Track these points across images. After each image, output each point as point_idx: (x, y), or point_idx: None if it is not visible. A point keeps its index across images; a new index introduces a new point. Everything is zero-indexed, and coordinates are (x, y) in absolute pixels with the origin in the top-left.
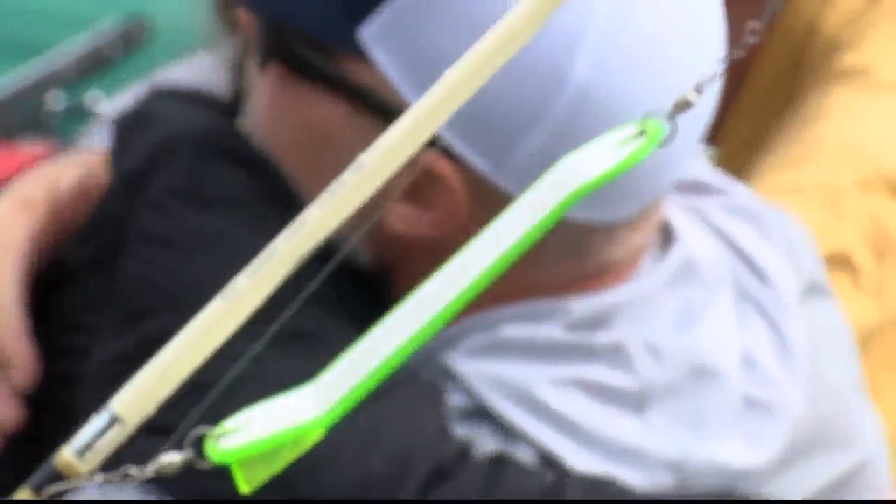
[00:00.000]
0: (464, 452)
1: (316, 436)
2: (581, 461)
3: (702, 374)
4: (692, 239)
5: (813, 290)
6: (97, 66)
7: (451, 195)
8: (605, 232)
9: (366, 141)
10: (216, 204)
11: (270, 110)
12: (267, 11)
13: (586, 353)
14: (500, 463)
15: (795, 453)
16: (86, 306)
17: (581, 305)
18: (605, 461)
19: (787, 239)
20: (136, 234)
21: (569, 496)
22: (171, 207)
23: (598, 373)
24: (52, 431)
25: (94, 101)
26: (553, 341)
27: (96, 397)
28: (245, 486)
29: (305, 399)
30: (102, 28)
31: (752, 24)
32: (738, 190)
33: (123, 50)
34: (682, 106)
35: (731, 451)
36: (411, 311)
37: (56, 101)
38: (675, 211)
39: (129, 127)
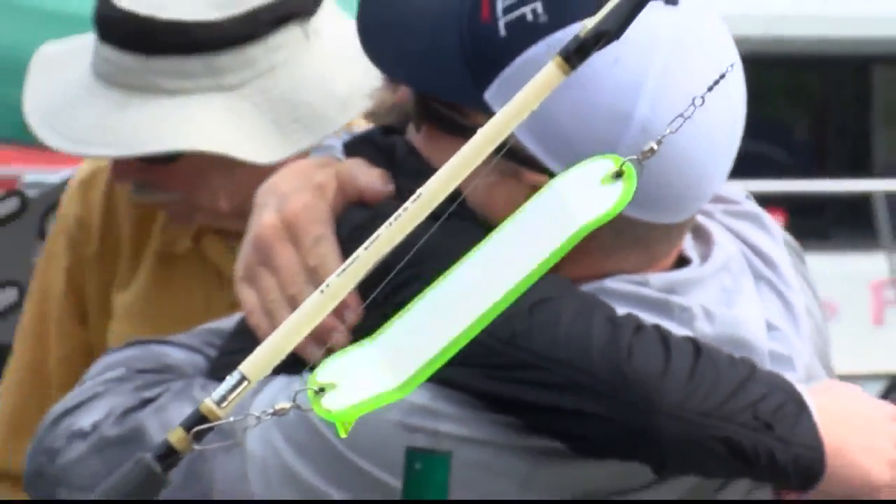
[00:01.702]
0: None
1: (393, 400)
2: None
3: (738, 342)
4: (722, 239)
5: (798, 258)
6: None
7: (522, 179)
8: (664, 231)
9: (499, 173)
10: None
11: (425, 155)
12: (421, 87)
13: (664, 308)
14: (658, 326)
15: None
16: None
17: (658, 279)
18: None
19: (775, 227)
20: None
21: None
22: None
23: (670, 325)
24: None
25: None
26: (642, 295)
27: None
28: (343, 433)
29: (382, 368)
30: None
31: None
32: (733, 196)
33: None
34: (648, 153)
35: None
36: (477, 297)
37: None
38: (701, 217)
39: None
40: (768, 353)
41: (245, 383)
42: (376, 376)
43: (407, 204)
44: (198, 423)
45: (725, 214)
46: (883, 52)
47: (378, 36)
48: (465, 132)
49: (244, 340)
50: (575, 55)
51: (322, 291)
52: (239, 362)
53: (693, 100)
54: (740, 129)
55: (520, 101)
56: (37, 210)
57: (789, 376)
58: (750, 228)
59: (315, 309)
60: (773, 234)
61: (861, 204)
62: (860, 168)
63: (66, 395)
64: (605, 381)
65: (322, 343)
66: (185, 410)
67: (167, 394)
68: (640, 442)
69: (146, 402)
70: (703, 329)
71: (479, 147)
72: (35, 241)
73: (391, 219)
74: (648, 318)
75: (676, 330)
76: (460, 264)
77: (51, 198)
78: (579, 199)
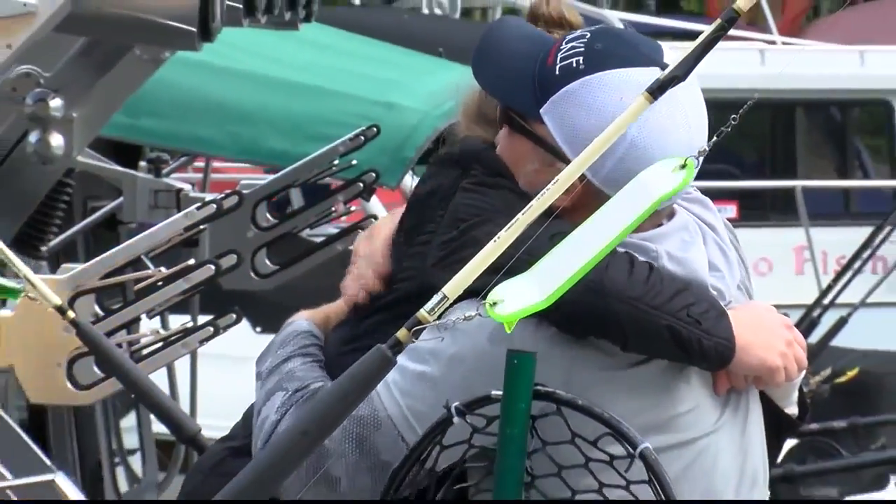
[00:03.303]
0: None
1: (539, 310)
2: None
3: (689, 275)
4: (681, 212)
5: (732, 234)
6: None
7: (578, 191)
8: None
9: (540, 163)
10: (491, 183)
11: (505, 148)
12: (501, 98)
13: (642, 250)
14: (630, 255)
15: None
16: (427, 232)
17: (642, 234)
18: None
19: (714, 208)
20: (459, 191)
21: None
22: (472, 182)
23: (646, 260)
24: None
25: None
26: (630, 242)
27: (435, 265)
28: (509, 328)
29: (531, 284)
30: None
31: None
32: (687, 189)
33: None
34: (702, 153)
35: None
36: (588, 237)
37: None
38: None
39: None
40: (710, 285)
41: (445, 300)
42: (527, 295)
43: (547, 188)
44: (415, 325)
45: (683, 199)
46: (804, 98)
47: (484, 68)
48: (526, 132)
49: (347, 325)
50: (658, 91)
51: (495, 241)
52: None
53: (707, 145)
54: (699, 145)
55: (620, 119)
56: (249, 203)
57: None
58: (698, 208)
59: (488, 252)
60: (713, 211)
61: (788, 196)
62: (788, 173)
63: None
64: (591, 280)
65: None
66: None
67: None
68: (608, 322)
69: None
70: (666, 265)
71: (596, 148)
72: (248, 224)
73: (535, 199)
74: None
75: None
76: (583, 225)
77: (258, 195)
78: (656, 182)
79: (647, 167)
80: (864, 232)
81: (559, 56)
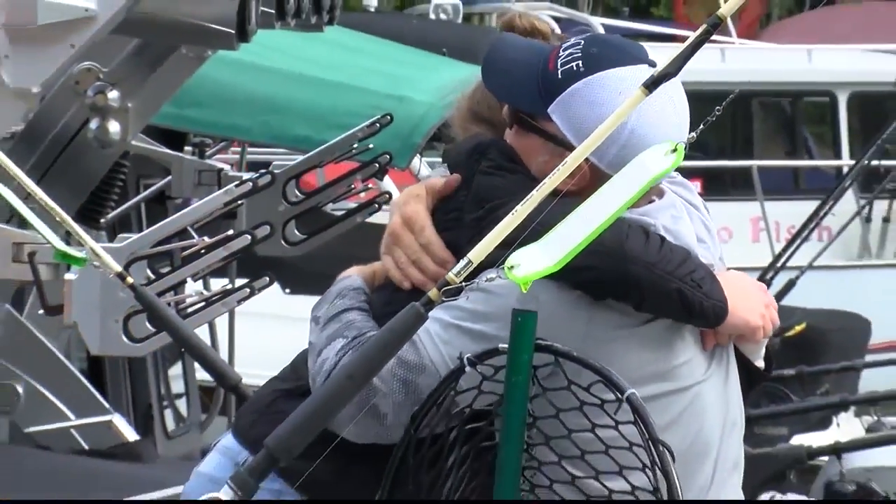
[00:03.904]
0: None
1: (550, 273)
2: None
3: (683, 243)
4: (669, 192)
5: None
6: None
7: (584, 175)
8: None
9: (550, 154)
10: (509, 168)
11: (515, 145)
12: (510, 102)
13: (643, 224)
14: (645, 228)
15: None
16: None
17: (640, 209)
18: None
19: (694, 189)
20: (478, 174)
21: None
22: (490, 166)
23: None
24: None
25: None
26: (630, 218)
27: (466, 235)
28: (524, 288)
29: (543, 251)
30: None
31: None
32: (672, 174)
33: None
34: (690, 139)
35: None
36: (593, 210)
37: None
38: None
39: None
40: (697, 255)
41: (470, 264)
42: (540, 260)
43: (557, 168)
44: (444, 286)
45: (669, 182)
46: (759, 91)
47: (493, 78)
48: (536, 130)
49: (387, 288)
50: (653, 85)
51: (513, 214)
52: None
53: (696, 130)
54: (686, 130)
55: (621, 109)
56: (280, 181)
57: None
58: (682, 190)
59: (505, 226)
60: (693, 192)
61: (746, 174)
62: (746, 154)
63: None
64: (613, 248)
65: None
66: None
67: None
68: (629, 284)
69: None
70: (664, 236)
71: (596, 137)
72: (279, 199)
73: (547, 178)
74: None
75: None
76: (589, 199)
77: (288, 174)
78: (652, 163)
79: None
80: (810, 205)
81: (559, 62)
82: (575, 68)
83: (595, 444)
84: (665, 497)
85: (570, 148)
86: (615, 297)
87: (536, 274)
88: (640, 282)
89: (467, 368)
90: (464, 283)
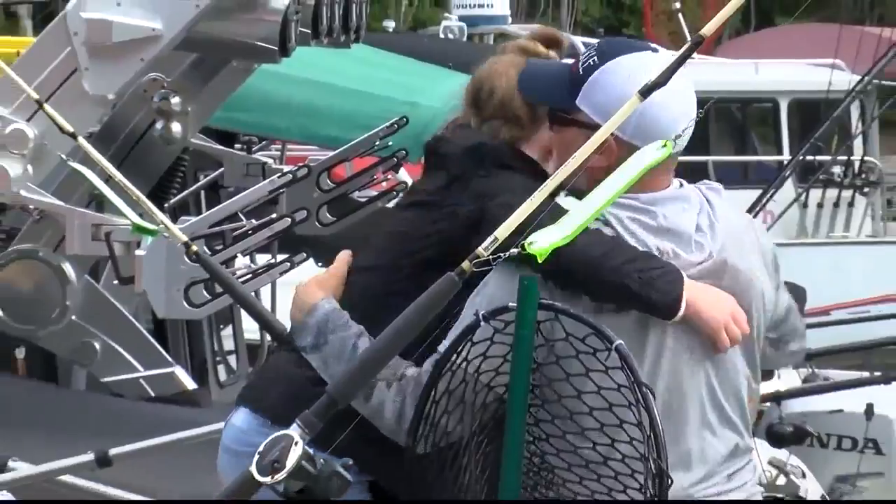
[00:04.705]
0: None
1: (561, 245)
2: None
3: (676, 231)
4: (694, 190)
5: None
6: None
7: (612, 149)
8: (665, 163)
9: (585, 139)
10: (505, 166)
11: (557, 142)
12: (547, 102)
13: (643, 211)
14: (598, 230)
15: (708, 272)
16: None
17: (646, 196)
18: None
19: (725, 195)
20: (477, 177)
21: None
22: (491, 168)
23: (645, 218)
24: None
25: None
26: (632, 205)
27: (460, 228)
28: (540, 258)
29: (555, 232)
30: None
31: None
32: (715, 184)
33: None
34: (678, 136)
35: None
36: (598, 194)
37: None
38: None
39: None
40: (693, 240)
41: (496, 240)
42: (553, 235)
43: (582, 148)
44: (474, 259)
45: (706, 188)
46: (714, 98)
47: (530, 86)
48: (572, 122)
49: (379, 270)
50: (647, 92)
51: (531, 200)
52: None
53: (690, 121)
54: (693, 112)
55: (622, 110)
56: (315, 173)
57: (699, 253)
58: (712, 193)
59: (529, 205)
60: (720, 195)
61: (702, 167)
62: (702, 151)
63: None
64: (567, 250)
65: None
66: None
67: None
68: (573, 279)
69: None
70: (661, 222)
71: (609, 127)
72: (314, 188)
73: (571, 158)
74: (634, 215)
75: (650, 222)
76: (596, 188)
77: (321, 167)
78: (646, 156)
79: (660, 116)
80: (756, 193)
81: (580, 62)
82: (592, 63)
83: (588, 384)
84: (648, 431)
85: (594, 129)
86: (567, 290)
87: (552, 245)
88: (581, 276)
89: (482, 323)
90: (491, 257)
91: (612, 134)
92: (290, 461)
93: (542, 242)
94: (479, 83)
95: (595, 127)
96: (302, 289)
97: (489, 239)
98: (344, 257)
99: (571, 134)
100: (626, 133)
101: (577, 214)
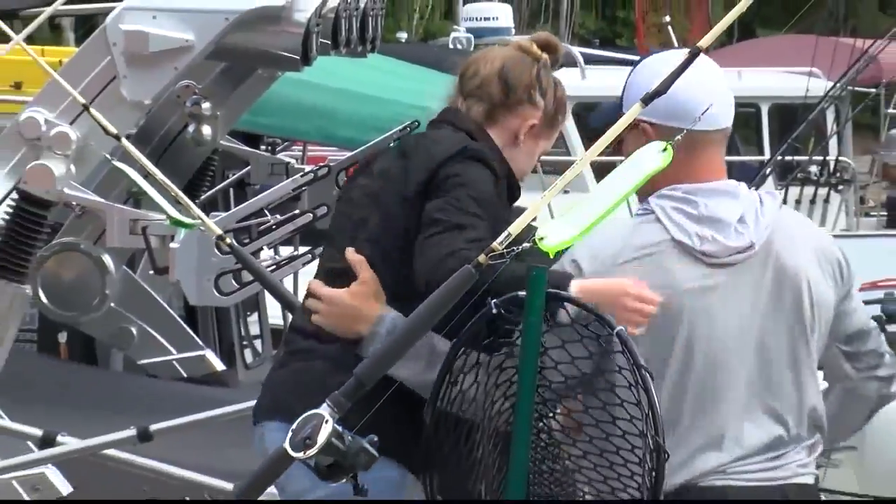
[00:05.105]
0: None
1: (573, 242)
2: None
3: (716, 219)
4: (748, 190)
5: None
6: None
7: (649, 134)
8: (699, 145)
9: (643, 139)
10: (484, 162)
11: (630, 150)
12: (611, 119)
13: (684, 201)
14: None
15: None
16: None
17: (686, 186)
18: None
19: (778, 200)
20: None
21: None
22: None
23: (688, 208)
24: None
25: None
26: (675, 196)
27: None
28: (551, 254)
29: (566, 229)
30: None
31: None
32: (774, 193)
33: None
34: (677, 142)
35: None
36: (607, 189)
37: None
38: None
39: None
40: (734, 228)
41: (509, 235)
42: (564, 232)
43: (600, 139)
44: (490, 252)
45: (765, 192)
46: None
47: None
48: (628, 128)
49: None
50: (648, 100)
51: (542, 197)
52: None
53: (701, 114)
54: (727, 98)
55: (626, 116)
56: (334, 172)
57: (739, 241)
58: (769, 197)
59: (534, 209)
60: (775, 200)
61: None
62: None
63: None
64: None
65: None
66: None
67: None
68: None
69: None
70: (703, 211)
71: (618, 128)
72: (333, 186)
73: (595, 144)
74: (677, 205)
75: (691, 211)
76: (600, 185)
77: (340, 166)
78: (647, 161)
79: (686, 93)
80: None
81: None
82: (629, 73)
83: (592, 367)
84: (646, 410)
85: (649, 124)
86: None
87: (564, 242)
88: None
89: (494, 310)
90: (505, 251)
91: (644, 120)
92: (321, 438)
93: (554, 239)
94: (467, 64)
95: (636, 123)
96: (349, 302)
97: (504, 233)
98: (360, 258)
99: (631, 137)
100: (656, 115)
101: (587, 211)
